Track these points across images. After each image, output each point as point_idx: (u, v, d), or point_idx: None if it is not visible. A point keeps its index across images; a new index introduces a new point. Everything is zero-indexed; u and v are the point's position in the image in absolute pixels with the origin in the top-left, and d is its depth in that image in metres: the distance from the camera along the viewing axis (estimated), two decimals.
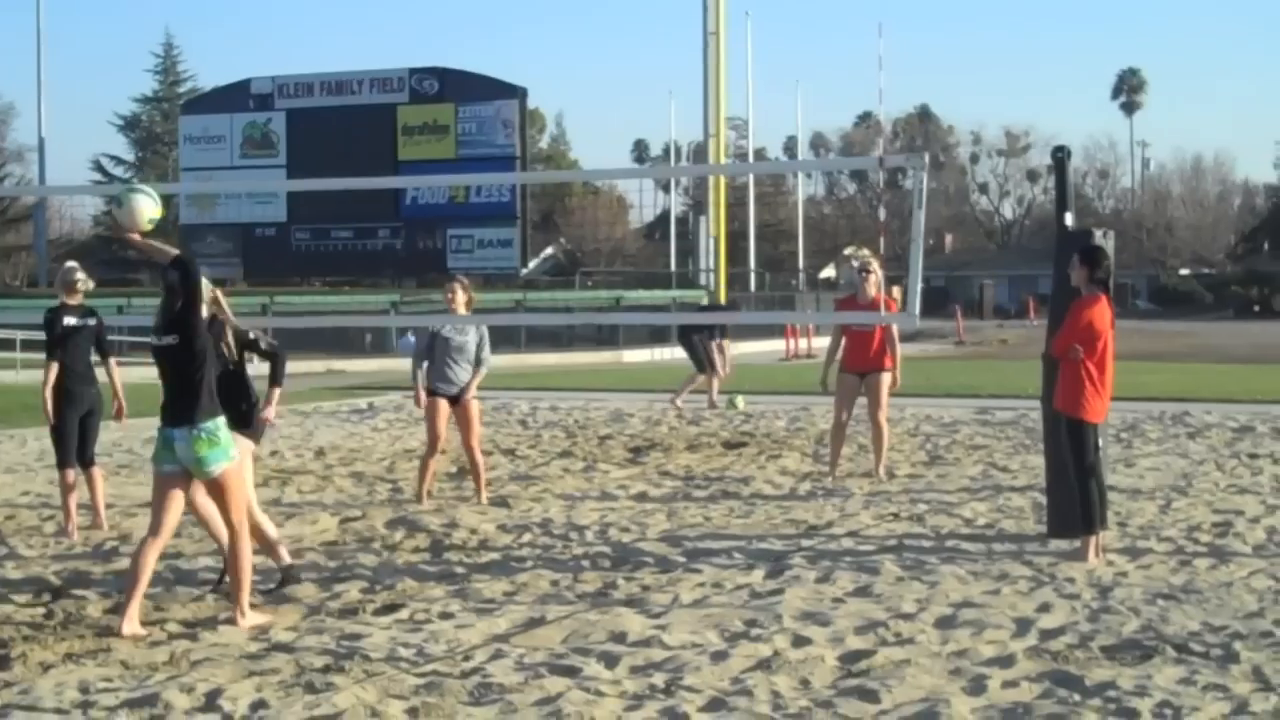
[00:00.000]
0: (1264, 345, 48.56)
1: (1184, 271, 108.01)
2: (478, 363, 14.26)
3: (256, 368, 10.75)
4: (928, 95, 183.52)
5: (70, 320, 12.91)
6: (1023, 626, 8.88)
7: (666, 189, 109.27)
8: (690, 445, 18.77)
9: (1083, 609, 9.35)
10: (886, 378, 15.63)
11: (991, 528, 12.60)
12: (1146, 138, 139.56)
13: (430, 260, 62.69)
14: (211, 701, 7.35)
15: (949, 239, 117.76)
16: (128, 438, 19.53)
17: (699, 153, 70.02)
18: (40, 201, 68.57)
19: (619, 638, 8.68)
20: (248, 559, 9.28)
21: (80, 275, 13.09)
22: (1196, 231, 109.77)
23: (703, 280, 64.70)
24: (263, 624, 9.11)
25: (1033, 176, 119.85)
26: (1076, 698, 7.39)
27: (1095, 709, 7.20)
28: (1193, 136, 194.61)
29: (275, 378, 10.83)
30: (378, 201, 61.69)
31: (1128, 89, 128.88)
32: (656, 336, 52.05)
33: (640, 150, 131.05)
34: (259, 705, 7.32)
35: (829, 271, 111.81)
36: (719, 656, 8.21)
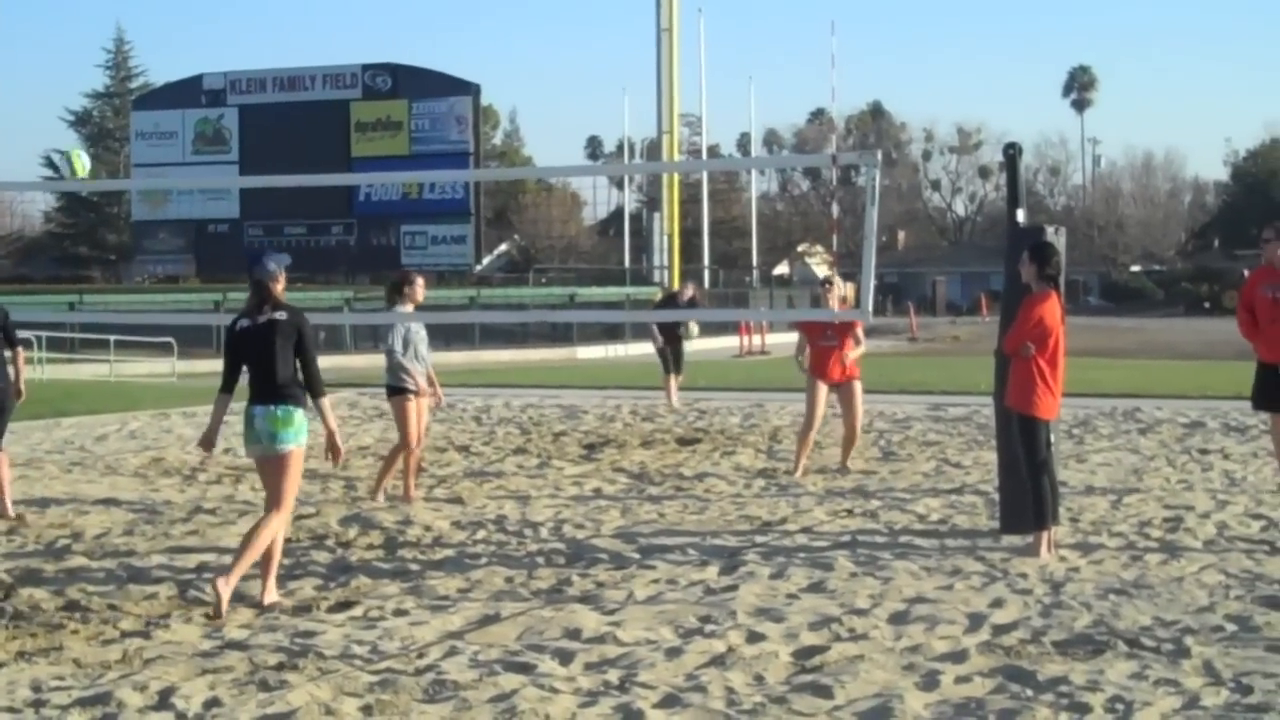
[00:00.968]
0: (1214, 342, 48.84)
1: (1135, 268, 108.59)
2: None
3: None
4: (880, 92, 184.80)
5: None
6: (975, 622, 8.92)
7: (620, 186, 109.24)
8: (645, 442, 18.78)
9: (1035, 604, 9.39)
10: (859, 386, 15.84)
11: (944, 523, 12.65)
12: (1097, 135, 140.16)
13: (384, 257, 62.56)
14: (165, 700, 7.32)
15: (902, 236, 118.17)
16: (80, 435, 19.47)
17: (653, 149, 70.16)
18: None
19: (573, 634, 8.68)
20: (268, 542, 9.63)
21: None
22: (1147, 228, 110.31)
23: (656, 277, 64.75)
24: (278, 605, 9.51)
25: (984, 173, 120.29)
26: (1029, 693, 7.43)
27: (1048, 704, 7.23)
28: (1143, 134, 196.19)
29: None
30: (331, 198, 61.58)
31: (1079, 86, 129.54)
32: (611, 333, 52.10)
33: (594, 147, 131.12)
34: (212, 703, 7.29)
35: (783, 268, 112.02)
36: (673, 653, 8.22)
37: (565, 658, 8.12)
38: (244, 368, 9.81)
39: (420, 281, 14.46)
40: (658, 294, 23.67)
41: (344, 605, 9.60)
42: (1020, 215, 12.10)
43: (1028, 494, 11.15)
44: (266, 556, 9.63)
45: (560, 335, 52.25)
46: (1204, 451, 17.26)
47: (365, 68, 64.56)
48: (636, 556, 11.21)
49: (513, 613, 9.29)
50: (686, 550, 11.45)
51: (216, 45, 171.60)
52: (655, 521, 12.90)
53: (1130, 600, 9.50)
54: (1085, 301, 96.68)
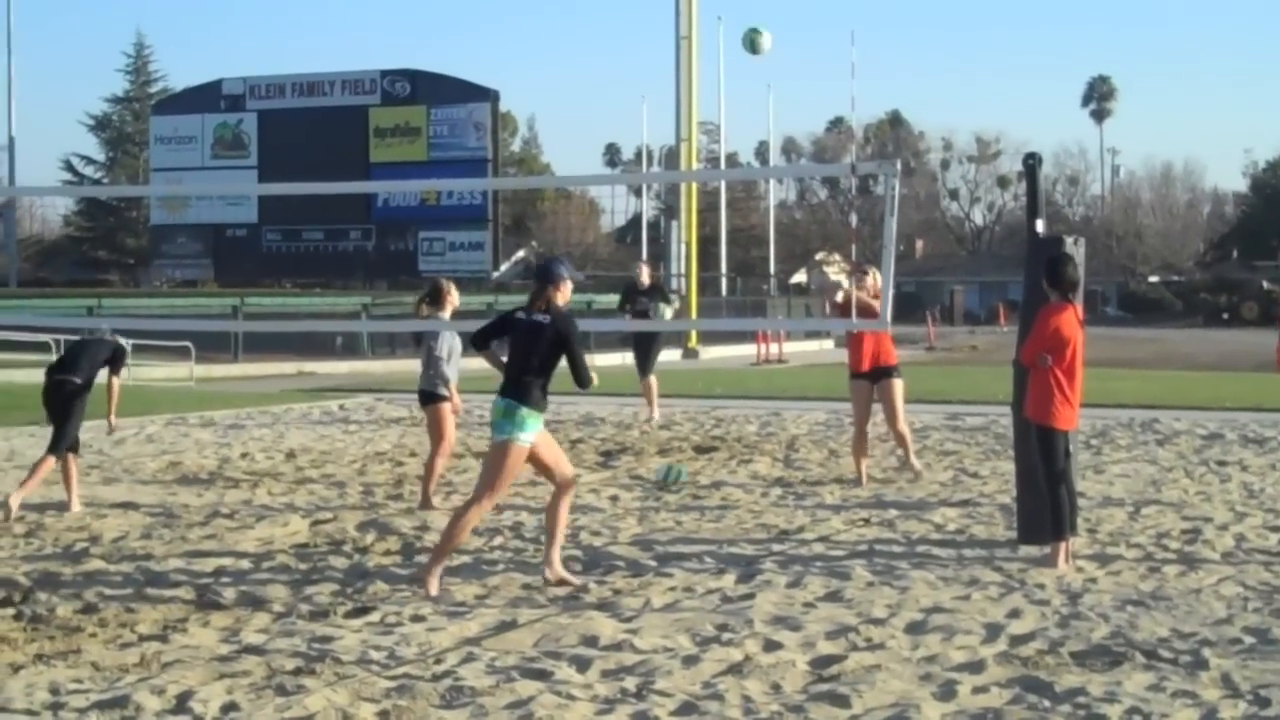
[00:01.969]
0: (1232, 353, 48.75)
1: (1153, 279, 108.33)
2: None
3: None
4: (899, 101, 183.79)
5: None
6: (993, 632, 8.91)
7: (638, 193, 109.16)
8: (661, 449, 18.77)
9: (1053, 615, 9.38)
10: (899, 383, 15.74)
11: (962, 533, 12.64)
12: (1116, 145, 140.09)
13: (401, 263, 62.61)
14: (182, 704, 7.34)
15: (920, 245, 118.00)
16: (97, 439, 19.48)
17: (671, 157, 70.07)
18: (10, 201, 68.30)
19: (590, 641, 8.69)
20: (467, 530, 10.47)
21: None
22: (1166, 239, 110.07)
23: (674, 284, 64.79)
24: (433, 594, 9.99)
25: (1003, 183, 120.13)
26: (1046, 703, 7.42)
27: (1065, 715, 7.23)
28: (1162, 144, 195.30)
29: None
30: (349, 203, 61.55)
31: (1098, 96, 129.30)
32: (629, 341, 52.07)
33: (612, 154, 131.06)
34: (230, 707, 7.31)
35: (800, 277, 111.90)
36: (690, 661, 8.22)
37: (582, 665, 8.13)
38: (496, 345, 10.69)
39: (454, 288, 14.50)
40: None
41: (361, 610, 9.61)
42: (1039, 225, 12.09)
43: (1045, 504, 11.14)
44: (550, 532, 10.55)
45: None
46: (1222, 463, 17.22)
47: (384, 73, 64.57)
48: (653, 564, 11.21)
49: (530, 619, 9.30)
50: (703, 558, 11.45)
51: (236, 50, 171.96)
52: (672, 529, 12.90)
53: (1148, 612, 9.49)
54: (1103, 312, 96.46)
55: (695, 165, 61.73)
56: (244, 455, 18.17)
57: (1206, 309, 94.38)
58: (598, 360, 48.82)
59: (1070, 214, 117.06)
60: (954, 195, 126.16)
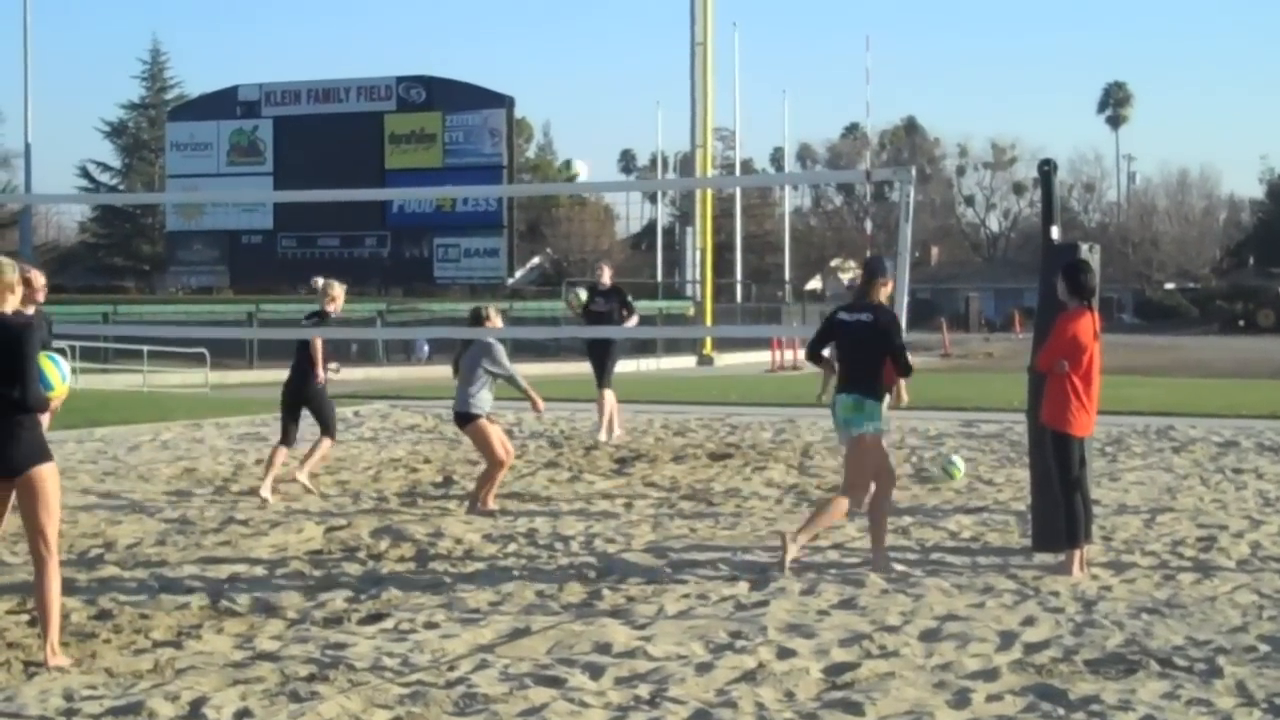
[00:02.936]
0: (1248, 360, 48.69)
1: (1169, 286, 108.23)
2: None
3: None
4: (914, 107, 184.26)
5: None
6: (1007, 640, 8.89)
7: (653, 200, 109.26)
8: (676, 457, 18.76)
9: (1067, 623, 9.36)
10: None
11: (976, 541, 12.62)
12: (1132, 151, 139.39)
13: (417, 269, 62.75)
14: (196, 710, 7.34)
15: (935, 251, 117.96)
16: (112, 445, 19.53)
17: (686, 163, 70.15)
18: (26, 208, 68.37)
19: (604, 649, 8.68)
20: (835, 518, 11.58)
21: None
22: (1182, 246, 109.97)
23: (689, 291, 64.76)
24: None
25: (1019, 189, 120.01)
26: (1060, 711, 7.41)
27: None
28: (1178, 151, 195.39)
29: None
30: (365, 210, 61.71)
31: (1114, 103, 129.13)
32: (642, 348, 52.08)
33: (627, 160, 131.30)
34: (243, 714, 7.31)
35: (815, 283, 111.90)
36: (704, 668, 8.21)
37: (596, 672, 8.12)
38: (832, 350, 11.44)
39: (496, 313, 14.93)
40: (581, 295, 20.36)
41: (375, 617, 9.61)
42: (1055, 232, 12.07)
43: (1060, 512, 11.12)
44: (875, 527, 11.28)
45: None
46: (1238, 471, 17.18)
47: (400, 80, 64.73)
48: (667, 571, 11.20)
49: (543, 626, 9.30)
50: (717, 565, 11.44)
51: (252, 57, 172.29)
52: (686, 536, 12.88)
53: (1163, 620, 9.46)
54: (1119, 319, 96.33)
55: (710, 172, 61.75)
56: (258, 461, 18.17)
57: (1222, 316, 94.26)
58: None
59: (1086, 221, 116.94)
60: (969, 202, 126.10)
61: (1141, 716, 7.30)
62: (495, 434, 14.42)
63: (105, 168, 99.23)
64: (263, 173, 64.83)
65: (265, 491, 14.85)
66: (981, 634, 9.03)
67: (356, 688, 7.77)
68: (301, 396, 15.62)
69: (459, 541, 12.54)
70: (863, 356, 11.12)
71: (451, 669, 8.22)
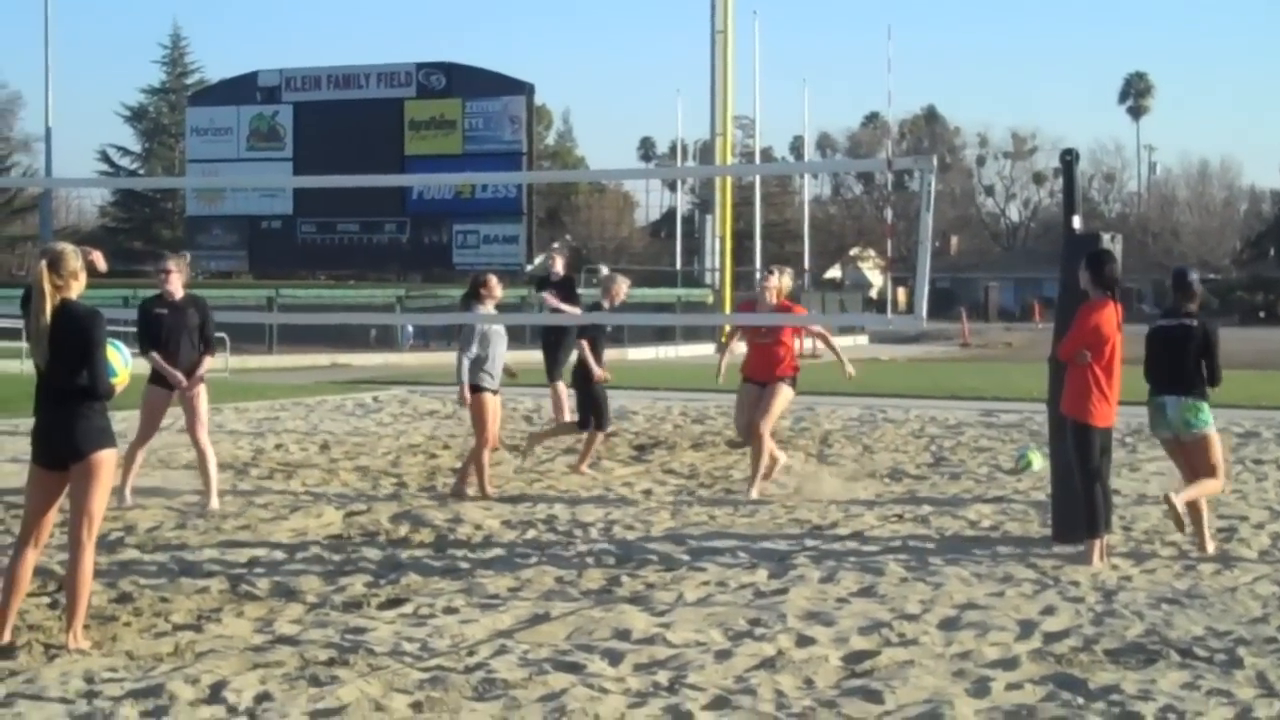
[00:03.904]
0: (1269, 351, 48.53)
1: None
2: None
3: None
4: (934, 96, 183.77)
5: None
6: (1026, 629, 8.88)
7: (673, 187, 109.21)
8: (695, 444, 18.77)
9: (1087, 612, 9.35)
10: (785, 390, 14.51)
11: (996, 530, 12.60)
12: (1153, 142, 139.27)
13: (436, 255, 62.65)
14: (216, 693, 7.36)
15: (954, 241, 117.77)
16: (132, 429, 19.52)
17: (705, 151, 70.02)
18: (46, 192, 68.48)
19: (623, 635, 8.68)
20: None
21: None
22: (1202, 236, 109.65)
23: (708, 279, 64.71)
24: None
25: (1039, 179, 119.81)
26: (1080, 701, 7.39)
27: (1099, 712, 7.20)
28: (1199, 141, 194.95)
29: None
30: (384, 196, 61.61)
31: (1134, 93, 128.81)
32: (662, 335, 52.10)
33: (647, 148, 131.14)
34: (263, 698, 7.32)
35: (835, 272, 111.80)
36: (723, 655, 8.21)
37: (615, 658, 8.12)
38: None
39: (494, 280, 14.65)
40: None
41: (394, 602, 9.62)
42: (1076, 222, 12.05)
43: (1080, 501, 11.10)
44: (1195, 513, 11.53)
45: (611, 336, 52.21)
46: (1258, 462, 17.15)
47: (419, 66, 64.61)
48: (686, 558, 11.20)
49: (562, 612, 9.30)
50: (736, 553, 11.44)
51: (272, 42, 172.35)
52: (705, 524, 12.88)
53: (1183, 610, 9.45)
54: (1139, 309, 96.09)
55: (730, 160, 61.70)
56: (278, 446, 18.22)
57: (1243, 307, 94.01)
58: (629, 354, 48.87)
59: (1106, 211, 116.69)
60: (989, 191, 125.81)
61: (1161, 706, 7.28)
62: (491, 412, 14.37)
63: (125, 152, 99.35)
64: (282, 158, 64.77)
65: (585, 467, 16.07)
66: (1001, 623, 9.02)
67: (376, 672, 7.78)
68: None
69: (478, 527, 12.55)
70: (1181, 361, 11.38)
71: (471, 654, 8.23)
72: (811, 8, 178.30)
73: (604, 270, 15.54)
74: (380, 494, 14.58)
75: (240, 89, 67.19)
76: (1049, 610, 9.41)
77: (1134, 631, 8.83)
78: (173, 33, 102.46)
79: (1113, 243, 11.82)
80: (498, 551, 11.53)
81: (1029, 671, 7.96)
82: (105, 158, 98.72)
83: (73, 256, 8.29)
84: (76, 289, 8.28)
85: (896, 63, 73.13)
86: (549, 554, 11.40)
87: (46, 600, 9.56)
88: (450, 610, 9.38)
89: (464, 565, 10.92)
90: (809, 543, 11.93)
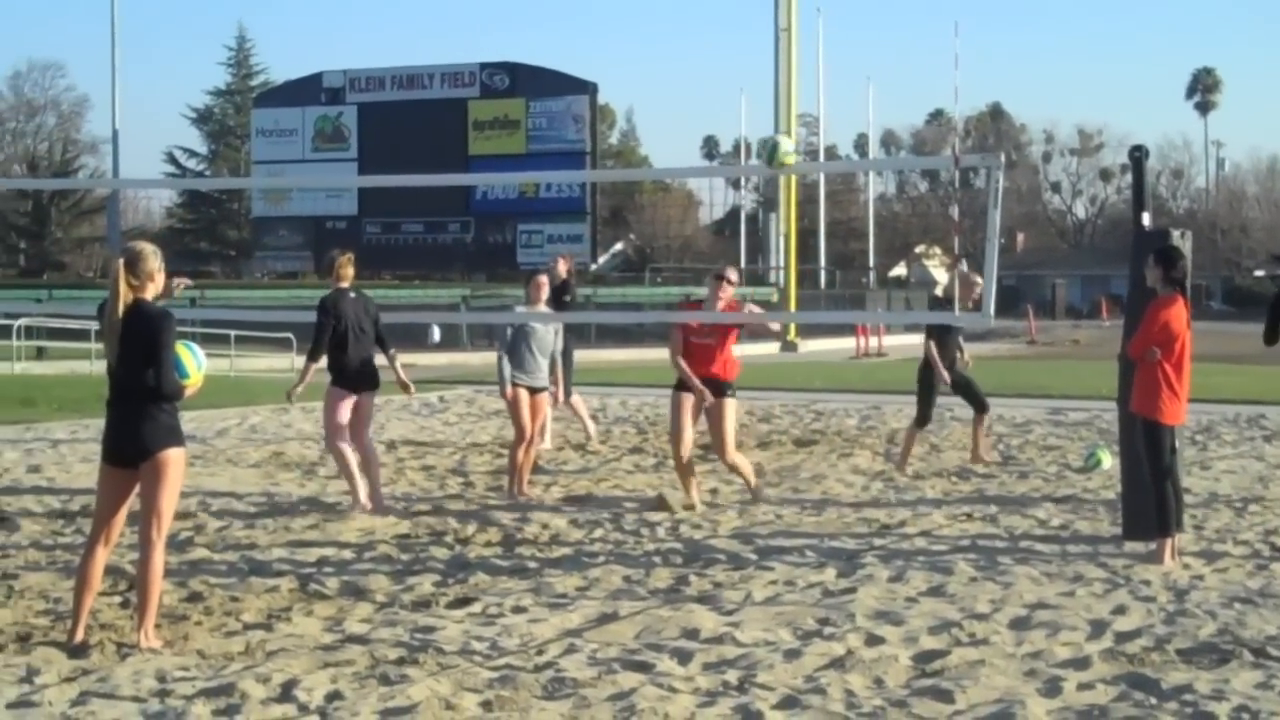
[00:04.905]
0: None
1: (1259, 273, 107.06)
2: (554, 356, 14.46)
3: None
4: (999, 93, 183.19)
5: None
6: (1098, 628, 8.82)
7: (737, 186, 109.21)
8: (761, 443, 18.74)
9: (1159, 612, 9.28)
10: (729, 406, 13.65)
11: (1066, 529, 12.52)
12: (1221, 138, 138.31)
13: (500, 255, 62.91)
14: (287, 692, 7.39)
15: (1021, 238, 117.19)
16: (200, 429, 19.69)
17: None
18: (114, 193, 69.03)
19: (691, 634, 8.67)
20: None
21: None
22: (1272, 232, 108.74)
23: (772, 278, 64.63)
24: None
25: (1105, 176, 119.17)
26: (1153, 701, 7.34)
27: (1172, 712, 7.14)
28: (1269, 137, 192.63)
29: None
30: (448, 196, 61.94)
31: (1202, 88, 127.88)
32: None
33: (710, 147, 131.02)
34: (334, 696, 7.35)
35: (899, 270, 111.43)
36: (792, 654, 8.19)
37: (684, 657, 8.11)
38: None
39: (540, 280, 14.62)
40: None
41: (463, 601, 9.64)
42: (1145, 219, 11.97)
43: (1151, 500, 11.03)
44: None
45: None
46: None
47: (483, 66, 64.87)
48: (754, 557, 11.18)
49: (631, 612, 9.30)
50: (804, 552, 11.41)
51: (336, 43, 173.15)
52: (772, 523, 12.86)
53: (1256, 609, 9.36)
54: (1208, 306, 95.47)
55: (794, 158, 61.63)
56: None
57: None
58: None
59: (1174, 207, 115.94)
60: (1056, 188, 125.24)
61: (1235, 706, 7.22)
62: (525, 409, 14.31)
63: (191, 154, 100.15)
64: (347, 158, 65.16)
65: (907, 470, 15.96)
66: (1072, 622, 8.96)
67: (446, 671, 7.79)
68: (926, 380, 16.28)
69: (545, 527, 12.56)
70: None
71: (540, 653, 8.23)
72: (876, 4, 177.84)
73: (963, 265, 15.32)
74: (447, 493, 14.62)
75: (305, 90, 67.64)
76: (1120, 610, 9.34)
77: (1206, 631, 8.76)
78: (238, 35, 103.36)
79: (1182, 240, 11.74)
80: (565, 551, 11.54)
81: (1101, 671, 7.90)
82: (172, 159, 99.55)
83: (151, 257, 8.35)
84: (152, 290, 8.34)
85: (961, 59, 72.77)
86: (617, 553, 11.41)
87: (118, 599, 9.62)
88: (519, 609, 9.38)
89: (532, 564, 10.93)
90: (877, 542, 11.89)
